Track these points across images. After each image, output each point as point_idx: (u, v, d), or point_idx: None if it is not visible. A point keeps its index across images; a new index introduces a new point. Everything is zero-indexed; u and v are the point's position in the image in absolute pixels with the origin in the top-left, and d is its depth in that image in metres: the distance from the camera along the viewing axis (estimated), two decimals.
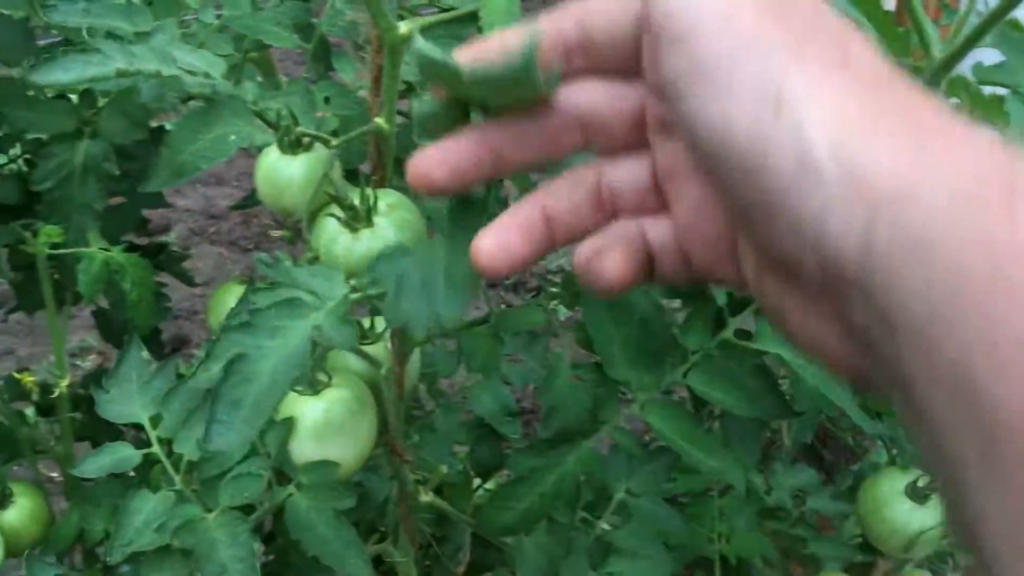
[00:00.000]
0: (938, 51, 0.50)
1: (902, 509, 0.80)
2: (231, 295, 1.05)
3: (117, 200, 1.05)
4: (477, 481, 0.98)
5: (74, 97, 1.01)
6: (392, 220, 0.55)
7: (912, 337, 0.24)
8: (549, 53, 0.33)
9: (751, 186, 0.28)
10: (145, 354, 0.77)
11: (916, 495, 0.80)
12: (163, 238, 2.69)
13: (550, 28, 0.33)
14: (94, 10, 0.67)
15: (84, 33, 0.59)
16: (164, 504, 0.68)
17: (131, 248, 1.08)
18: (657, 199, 0.35)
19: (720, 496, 0.91)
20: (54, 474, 1.91)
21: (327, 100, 0.63)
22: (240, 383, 0.43)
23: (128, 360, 0.76)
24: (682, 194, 0.34)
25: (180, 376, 0.76)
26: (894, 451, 0.91)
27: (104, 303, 1.11)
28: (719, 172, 0.30)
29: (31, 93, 0.98)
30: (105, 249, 0.92)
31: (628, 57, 0.33)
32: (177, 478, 0.71)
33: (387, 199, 0.56)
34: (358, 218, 0.55)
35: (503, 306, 2.56)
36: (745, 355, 0.59)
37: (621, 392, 0.63)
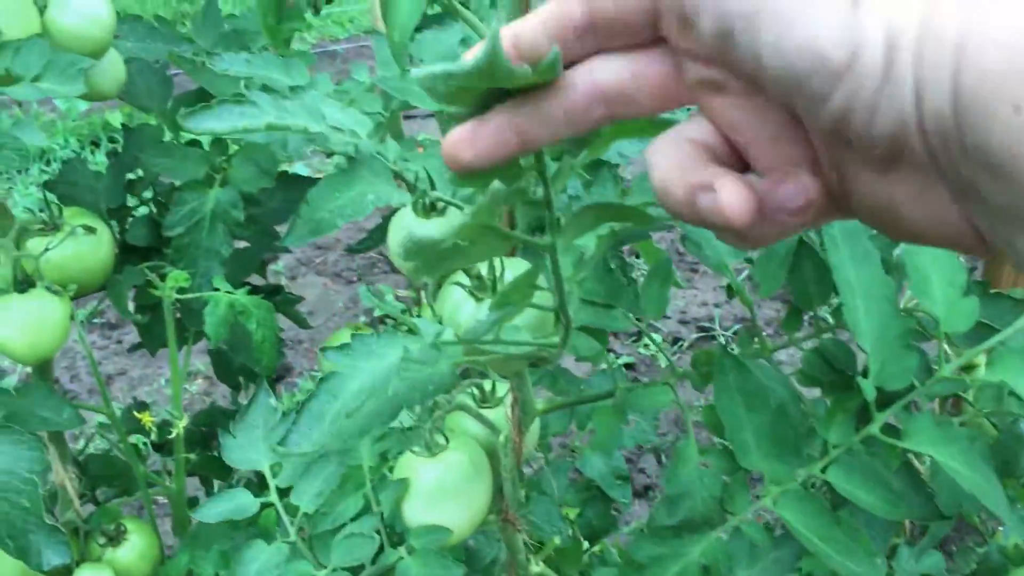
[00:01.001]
0: None
1: None
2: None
3: (240, 243, 1.07)
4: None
5: (205, 143, 1.04)
6: None
7: (1010, 166, 0.25)
8: (560, 34, 0.34)
9: (844, 92, 0.28)
10: (273, 401, 0.77)
11: None
12: (272, 267, 2.76)
13: (556, 12, 0.34)
14: (255, 62, 0.69)
15: (242, 85, 0.60)
16: (277, 556, 0.68)
17: (250, 288, 1.11)
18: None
19: None
20: (160, 497, 1.96)
21: None
22: (327, 400, 0.44)
23: (256, 407, 0.77)
24: (740, 125, 0.34)
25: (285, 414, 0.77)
26: None
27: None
28: (804, 93, 0.30)
29: (166, 139, 1.01)
30: (229, 292, 0.94)
31: (641, 29, 0.34)
32: (292, 530, 0.71)
33: (515, 269, 0.55)
34: (484, 287, 0.54)
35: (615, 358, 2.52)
36: (891, 453, 0.56)
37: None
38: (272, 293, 1.23)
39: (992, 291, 0.68)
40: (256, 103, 0.54)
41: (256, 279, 1.21)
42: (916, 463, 0.86)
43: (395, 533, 0.69)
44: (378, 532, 0.67)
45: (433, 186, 0.57)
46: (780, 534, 0.70)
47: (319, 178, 1.30)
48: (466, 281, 0.56)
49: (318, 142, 0.55)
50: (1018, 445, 0.76)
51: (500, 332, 0.53)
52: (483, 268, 0.56)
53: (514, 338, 0.52)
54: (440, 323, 0.55)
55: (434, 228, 0.57)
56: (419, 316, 0.88)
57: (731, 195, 0.32)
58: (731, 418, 0.57)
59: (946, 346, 0.72)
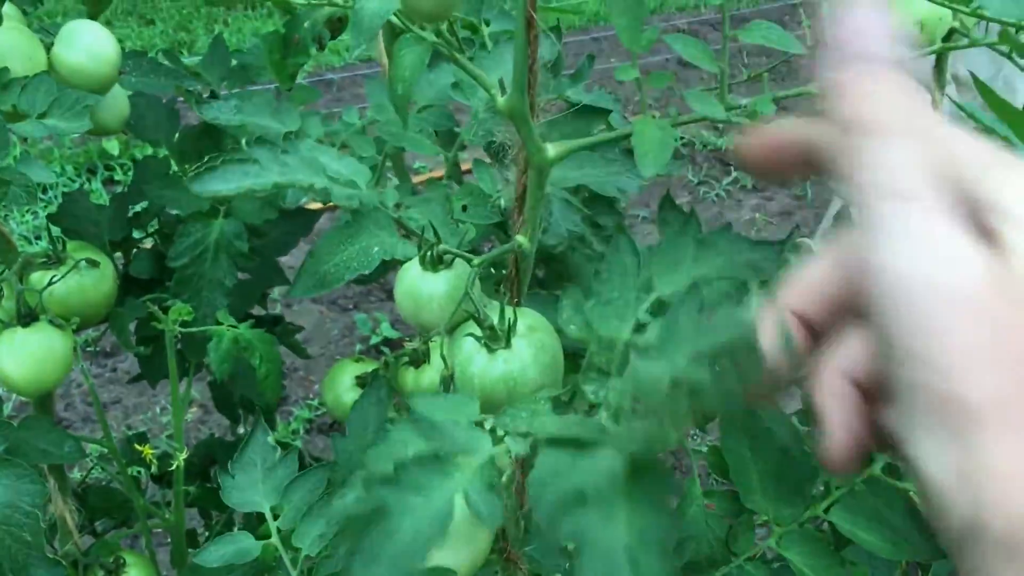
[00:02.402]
0: None
1: None
2: (346, 374, 1.07)
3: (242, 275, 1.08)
4: None
5: None
6: (531, 342, 0.54)
7: None
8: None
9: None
10: (270, 439, 0.77)
11: None
12: (269, 295, 2.76)
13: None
14: (245, 108, 0.69)
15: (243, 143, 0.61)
16: None
17: (247, 318, 1.11)
18: None
19: None
20: (158, 528, 1.95)
21: (464, 208, 0.63)
22: (381, 538, 0.42)
23: (253, 445, 0.77)
24: None
25: (303, 467, 0.77)
26: None
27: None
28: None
29: (172, 171, 1.02)
30: (233, 326, 0.94)
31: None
32: (293, 573, 0.71)
33: (526, 320, 0.55)
34: (496, 338, 0.55)
35: None
36: (894, 493, 0.56)
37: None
38: (273, 324, 1.24)
39: None
40: (258, 161, 0.54)
41: (256, 309, 1.22)
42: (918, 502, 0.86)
43: None
44: None
45: (438, 236, 0.57)
46: (777, 566, 0.71)
47: (321, 210, 1.30)
48: (478, 332, 0.56)
49: (320, 196, 0.55)
50: None
51: (515, 385, 0.54)
52: (495, 318, 0.56)
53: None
54: (451, 374, 0.55)
55: (443, 282, 0.57)
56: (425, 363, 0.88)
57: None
58: (736, 459, 0.58)
59: None
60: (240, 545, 0.71)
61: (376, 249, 0.58)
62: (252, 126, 0.69)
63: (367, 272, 0.58)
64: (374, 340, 2.59)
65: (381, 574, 0.43)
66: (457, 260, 0.57)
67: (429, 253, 0.56)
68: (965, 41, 0.75)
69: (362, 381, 1.04)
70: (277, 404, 2.44)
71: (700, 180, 3.34)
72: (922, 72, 1.01)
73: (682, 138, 3.56)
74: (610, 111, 0.80)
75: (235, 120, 0.69)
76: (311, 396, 2.47)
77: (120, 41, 0.98)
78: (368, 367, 1.06)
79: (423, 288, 0.56)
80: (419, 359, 1.03)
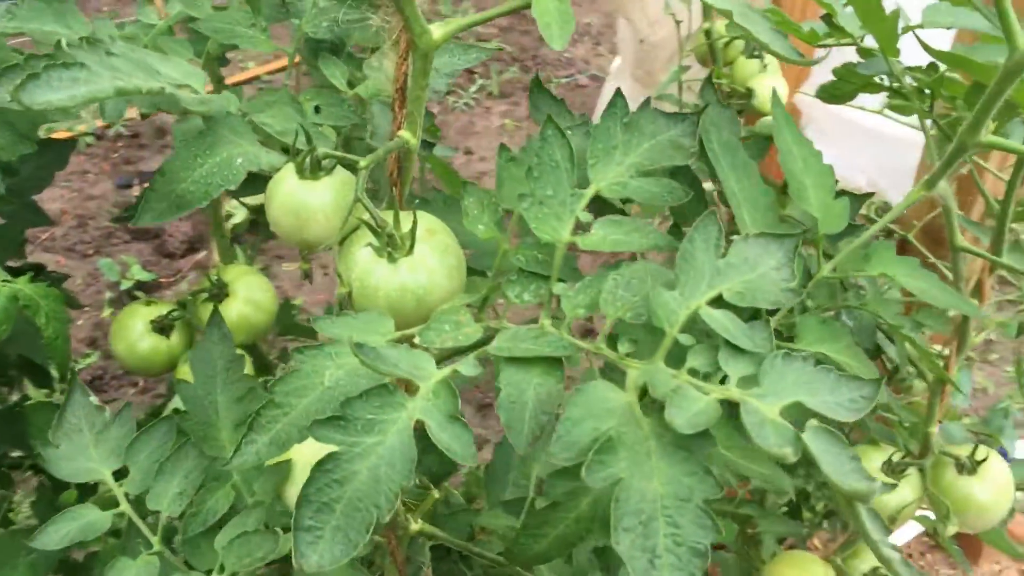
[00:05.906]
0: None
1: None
2: (137, 319, 0.96)
3: None
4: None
5: None
6: (433, 246, 0.50)
7: None
8: None
9: None
10: (94, 399, 0.67)
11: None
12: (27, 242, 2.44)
13: None
14: (20, 13, 0.57)
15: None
16: (147, 572, 0.60)
17: (7, 270, 0.96)
18: None
19: None
20: None
21: (318, 110, 0.56)
22: (331, 484, 0.38)
23: (73, 408, 0.67)
24: None
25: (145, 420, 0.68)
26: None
27: None
28: None
29: None
30: (8, 280, 0.81)
31: None
32: (154, 539, 0.63)
33: (424, 223, 0.51)
34: (396, 246, 0.50)
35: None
36: None
37: None
38: (35, 274, 1.08)
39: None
40: (86, 65, 0.44)
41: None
42: None
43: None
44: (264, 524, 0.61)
45: (310, 140, 0.50)
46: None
47: (73, 138, 1.14)
48: (374, 241, 0.50)
49: (167, 104, 0.47)
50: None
51: (424, 294, 0.50)
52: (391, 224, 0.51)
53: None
54: (349, 291, 0.50)
55: (327, 190, 0.50)
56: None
57: None
58: None
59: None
60: (85, 520, 0.62)
61: (240, 160, 0.50)
62: (32, 32, 0.57)
63: (233, 188, 0.50)
64: (125, 285, 2.37)
65: (337, 525, 0.39)
66: (338, 167, 0.51)
67: (307, 159, 0.50)
68: None
69: (159, 325, 0.95)
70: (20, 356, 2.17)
71: (448, 90, 3.32)
72: None
73: None
74: None
75: (9, 27, 0.57)
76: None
77: None
78: (163, 309, 0.97)
79: (306, 199, 0.50)
80: (220, 293, 0.94)
